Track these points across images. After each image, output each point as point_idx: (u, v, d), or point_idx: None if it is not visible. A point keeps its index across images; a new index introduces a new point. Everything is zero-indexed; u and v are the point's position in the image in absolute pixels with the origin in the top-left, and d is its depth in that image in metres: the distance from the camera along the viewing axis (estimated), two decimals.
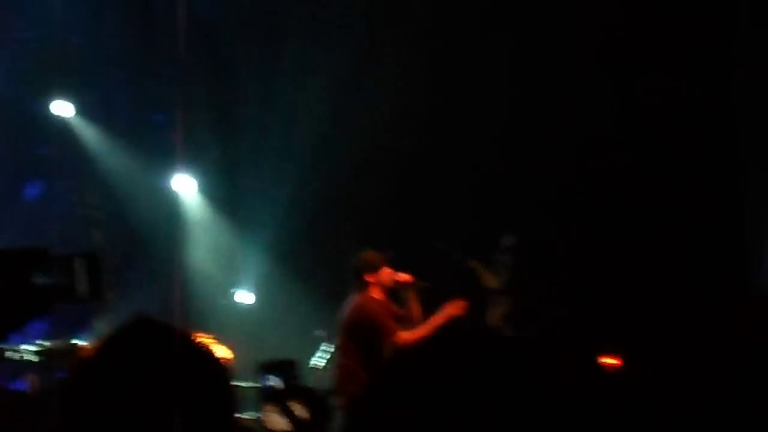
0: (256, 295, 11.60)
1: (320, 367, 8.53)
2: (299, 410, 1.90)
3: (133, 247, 10.99)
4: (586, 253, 10.04)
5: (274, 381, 1.88)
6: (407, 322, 7.33)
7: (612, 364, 8.48)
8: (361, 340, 7.17)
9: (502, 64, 10.60)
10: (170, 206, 11.00)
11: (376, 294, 7.33)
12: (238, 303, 11.48)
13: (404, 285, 7.43)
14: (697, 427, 1.60)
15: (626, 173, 10.18)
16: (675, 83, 9.99)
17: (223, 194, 11.61)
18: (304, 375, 2.06)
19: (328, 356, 8.62)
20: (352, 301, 7.35)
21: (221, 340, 10.48)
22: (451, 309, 7.30)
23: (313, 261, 11.40)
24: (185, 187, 11.16)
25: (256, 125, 11.56)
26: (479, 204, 10.18)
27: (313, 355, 8.91)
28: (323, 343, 9.04)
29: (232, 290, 11.47)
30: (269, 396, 1.80)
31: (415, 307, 7.43)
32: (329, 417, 1.85)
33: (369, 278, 7.31)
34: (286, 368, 1.94)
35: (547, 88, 10.37)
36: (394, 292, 7.46)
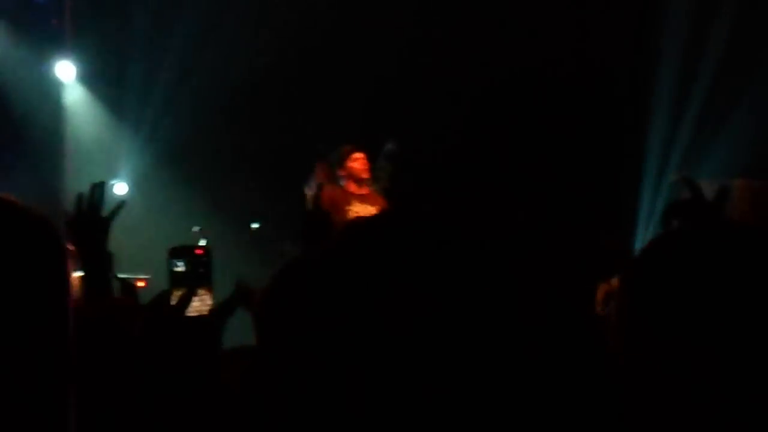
0: (134, 189, 11.54)
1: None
2: (206, 297, 1.99)
3: (9, 130, 10.77)
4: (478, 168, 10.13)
5: (181, 266, 1.96)
6: None
7: None
8: None
9: None
10: (51, 93, 10.81)
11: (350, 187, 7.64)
12: (115, 194, 11.41)
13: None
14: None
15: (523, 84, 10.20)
16: None
17: (107, 84, 11.42)
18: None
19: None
20: None
21: None
22: None
23: (193, 160, 11.37)
24: (67, 74, 10.95)
25: (146, 18, 11.33)
26: (364, 109, 10.25)
27: None
28: (201, 239, 9.18)
29: (111, 182, 11.35)
30: (177, 281, 1.88)
31: None
32: (231, 306, 1.96)
33: (340, 172, 7.64)
34: (195, 254, 2.01)
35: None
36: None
